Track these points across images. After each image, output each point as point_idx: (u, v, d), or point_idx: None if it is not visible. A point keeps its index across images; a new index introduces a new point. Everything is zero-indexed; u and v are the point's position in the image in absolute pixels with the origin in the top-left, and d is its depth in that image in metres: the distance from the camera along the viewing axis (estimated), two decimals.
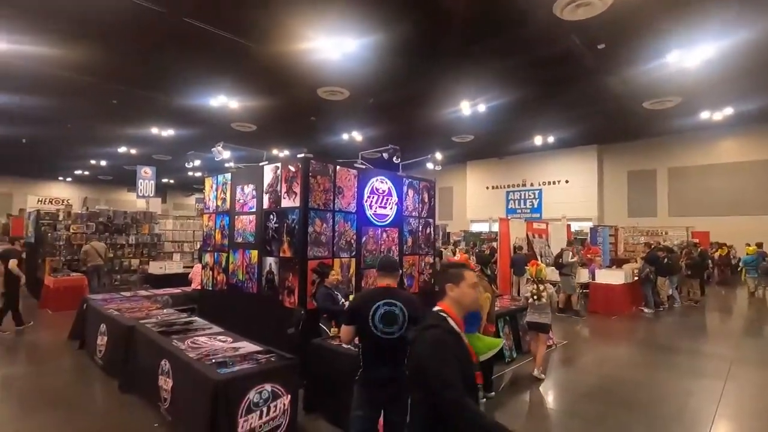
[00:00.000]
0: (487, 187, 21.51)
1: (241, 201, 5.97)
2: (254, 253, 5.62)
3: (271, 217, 5.37)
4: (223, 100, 10.89)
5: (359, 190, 5.64)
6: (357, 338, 2.78)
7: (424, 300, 2.70)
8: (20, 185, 22.68)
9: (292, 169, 5.15)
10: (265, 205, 5.51)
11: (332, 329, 4.51)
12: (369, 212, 5.75)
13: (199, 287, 6.98)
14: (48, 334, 7.21)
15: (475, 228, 20.34)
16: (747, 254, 11.82)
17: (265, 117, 12.51)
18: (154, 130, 14.07)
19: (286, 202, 5.19)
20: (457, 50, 8.30)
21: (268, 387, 3.44)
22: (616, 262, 13.13)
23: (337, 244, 5.31)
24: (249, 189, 5.85)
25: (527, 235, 11.07)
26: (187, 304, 6.95)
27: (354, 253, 5.53)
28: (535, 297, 5.26)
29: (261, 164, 5.71)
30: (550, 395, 4.99)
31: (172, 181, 25.07)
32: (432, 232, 6.85)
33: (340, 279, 5.10)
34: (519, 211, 20.18)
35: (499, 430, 1.52)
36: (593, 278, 9.80)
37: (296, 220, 5.02)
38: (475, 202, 21.98)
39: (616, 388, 5.09)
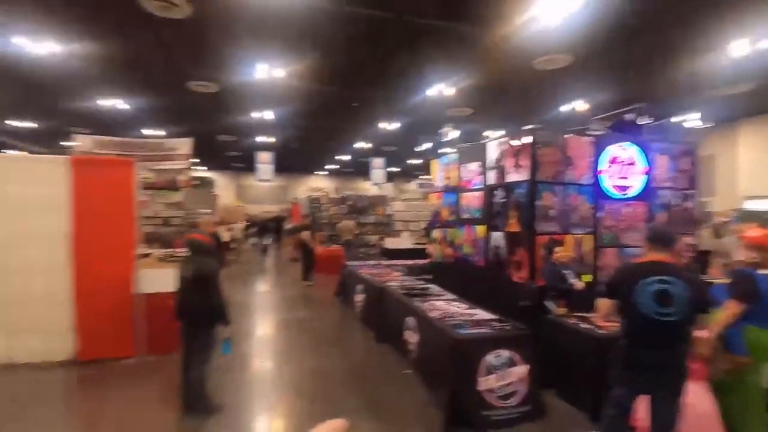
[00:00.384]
0: None
1: (467, 178, 6.24)
2: (480, 228, 5.81)
3: (497, 192, 5.43)
4: (439, 88, 11.48)
5: (595, 160, 5.09)
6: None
7: None
8: (291, 179, 29.64)
9: (518, 143, 5.06)
10: (491, 180, 5.60)
11: (559, 308, 4.29)
12: (607, 184, 5.14)
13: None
14: (321, 291, 9.30)
15: (752, 206, 15.52)
16: None
17: (481, 99, 12.59)
18: (382, 125, 16.06)
19: (512, 177, 5.15)
20: None
21: (505, 353, 3.54)
22: None
23: (569, 219, 4.97)
24: (474, 166, 6.05)
25: None
26: (419, 274, 7.79)
27: (590, 229, 5.06)
28: None
29: (485, 141, 5.82)
30: None
31: (397, 169, 28.25)
32: (694, 206, 5.61)
33: (568, 256, 4.77)
34: None
35: None
36: None
37: (523, 194, 4.93)
38: (752, 172, 16.74)
39: None
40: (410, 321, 4.58)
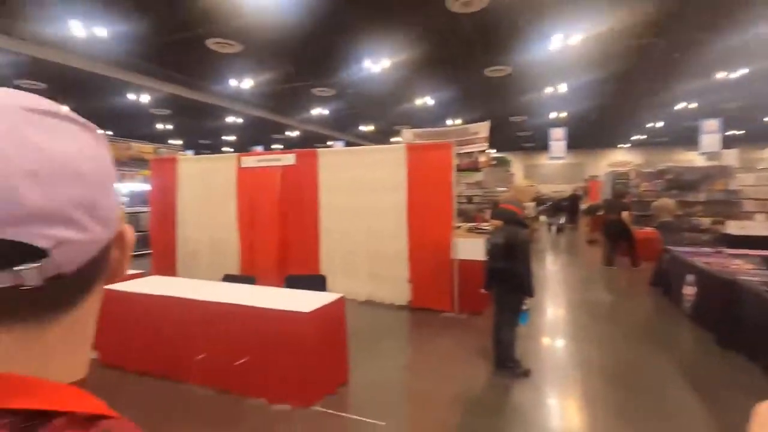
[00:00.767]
0: None
1: None
2: None
3: None
4: None
5: None
6: None
7: None
8: (585, 156, 27.01)
9: None
10: None
11: None
12: None
13: None
14: (630, 277, 8.15)
15: None
16: None
17: None
18: (720, 75, 12.27)
19: None
20: None
21: None
22: None
23: None
24: None
25: None
26: None
27: None
28: None
29: None
30: None
31: (739, 132, 21.24)
32: None
33: None
34: None
35: None
36: None
37: None
38: None
39: None
40: None
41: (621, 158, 26.03)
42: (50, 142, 0.34)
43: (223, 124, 15.91)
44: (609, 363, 4.18)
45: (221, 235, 6.98)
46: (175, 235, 7.44)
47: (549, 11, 7.36)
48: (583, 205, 17.00)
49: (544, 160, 24.63)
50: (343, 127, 17.95)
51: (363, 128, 18.30)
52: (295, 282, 4.19)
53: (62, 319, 0.36)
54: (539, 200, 17.42)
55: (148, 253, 7.71)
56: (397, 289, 5.90)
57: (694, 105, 16.17)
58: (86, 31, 6.83)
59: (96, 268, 0.38)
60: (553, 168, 25.51)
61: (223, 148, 23.23)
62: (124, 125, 15.32)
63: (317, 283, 4.23)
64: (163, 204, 7.49)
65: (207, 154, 12.22)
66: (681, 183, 10.40)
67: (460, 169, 10.07)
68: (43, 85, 10.20)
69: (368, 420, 3.11)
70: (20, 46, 7.50)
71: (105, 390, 0.75)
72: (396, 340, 5.07)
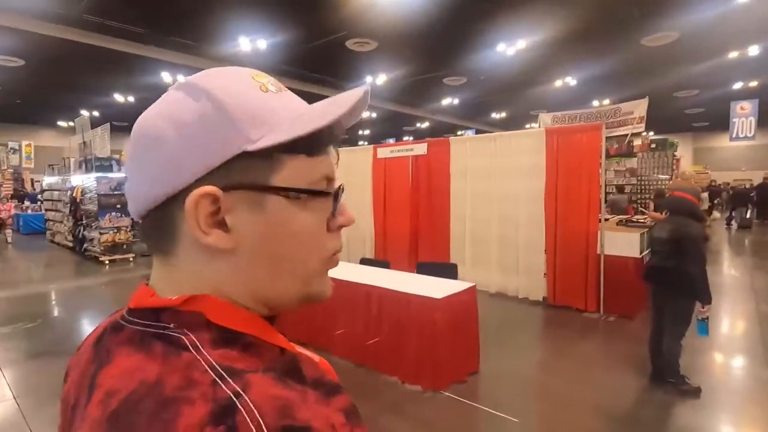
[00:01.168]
0: None
1: None
2: None
3: None
4: None
5: None
6: None
7: None
8: None
9: None
10: None
11: None
12: None
13: None
14: None
15: None
16: None
17: None
18: None
19: None
20: None
21: None
22: None
23: None
24: None
25: None
26: None
27: None
28: None
29: None
30: None
31: None
32: None
33: None
34: None
35: None
36: None
37: None
38: None
39: None
40: None
41: None
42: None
43: (360, 119, 17.01)
44: None
45: (358, 222, 7.50)
46: None
47: None
48: None
49: (721, 142, 20.30)
50: (474, 115, 17.50)
51: (495, 115, 17.58)
52: (426, 269, 4.27)
53: (174, 254, 0.41)
54: (713, 191, 14.55)
55: None
56: (531, 282, 5.56)
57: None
58: (251, 45, 7.94)
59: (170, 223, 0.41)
60: (735, 151, 20.82)
61: (360, 142, 24.82)
62: None
63: (448, 271, 4.24)
64: None
65: (344, 147, 13.20)
66: None
67: (607, 155, 8.98)
68: None
69: (500, 414, 3.02)
70: (204, 63, 9.11)
71: None
72: (530, 336, 4.80)
